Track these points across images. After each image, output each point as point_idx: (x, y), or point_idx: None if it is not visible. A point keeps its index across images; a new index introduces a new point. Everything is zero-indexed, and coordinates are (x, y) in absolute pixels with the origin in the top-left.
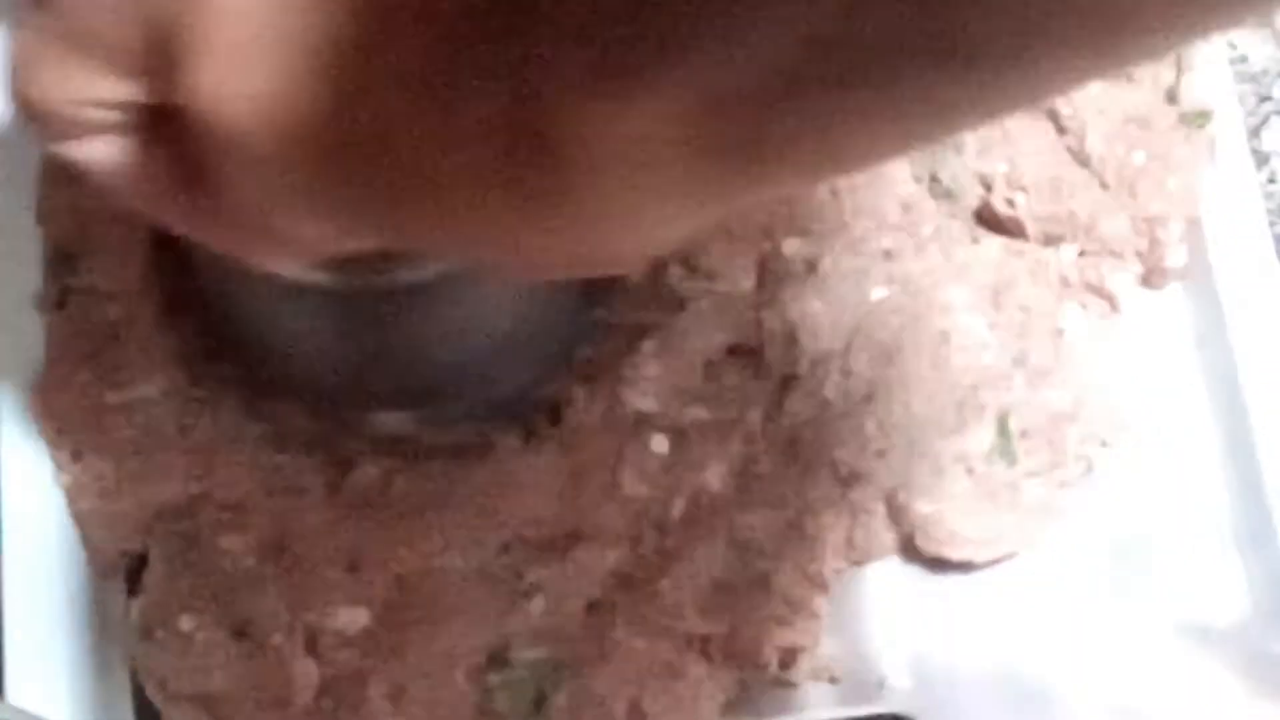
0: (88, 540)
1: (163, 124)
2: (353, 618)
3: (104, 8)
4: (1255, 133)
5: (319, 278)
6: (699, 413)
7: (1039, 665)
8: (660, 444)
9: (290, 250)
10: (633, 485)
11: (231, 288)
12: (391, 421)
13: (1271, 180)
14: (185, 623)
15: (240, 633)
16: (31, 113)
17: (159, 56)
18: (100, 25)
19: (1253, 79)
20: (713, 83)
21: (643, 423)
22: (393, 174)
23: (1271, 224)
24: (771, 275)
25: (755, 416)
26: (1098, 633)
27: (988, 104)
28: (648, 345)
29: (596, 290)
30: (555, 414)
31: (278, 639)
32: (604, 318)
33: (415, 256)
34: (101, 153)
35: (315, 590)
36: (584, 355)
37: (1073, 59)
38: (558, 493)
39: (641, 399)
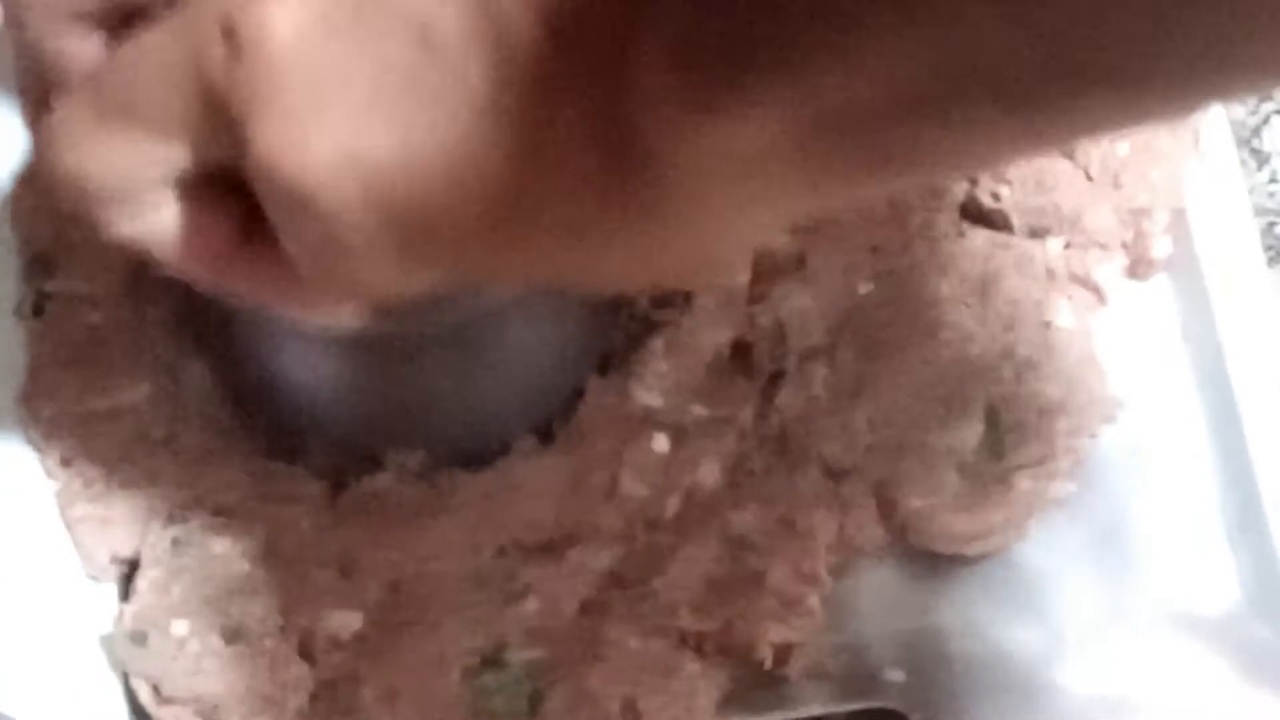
0: (79, 546)
1: (219, 189)
2: (346, 621)
3: (146, 73)
4: (1256, 132)
5: (364, 326)
6: (700, 411)
7: (1031, 657)
8: (661, 443)
9: (347, 301)
10: (630, 485)
11: (240, 331)
12: (410, 462)
13: (1272, 180)
14: (178, 627)
15: (233, 637)
16: (77, 192)
17: (217, 120)
18: (147, 92)
19: None
20: (826, 102)
21: (647, 420)
22: (493, 207)
23: (1271, 224)
24: (762, 271)
25: (747, 414)
26: (1089, 624)
27: (1112, 121)
28: (657, 342)
29: (608, 318)
30: (568, 409)
31: (270, 642)
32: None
33: (459, 297)
34: (154, 223)
35: (308, 594)
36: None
37: (1198, 83)
38: (558, 496)
39: (649, 395)
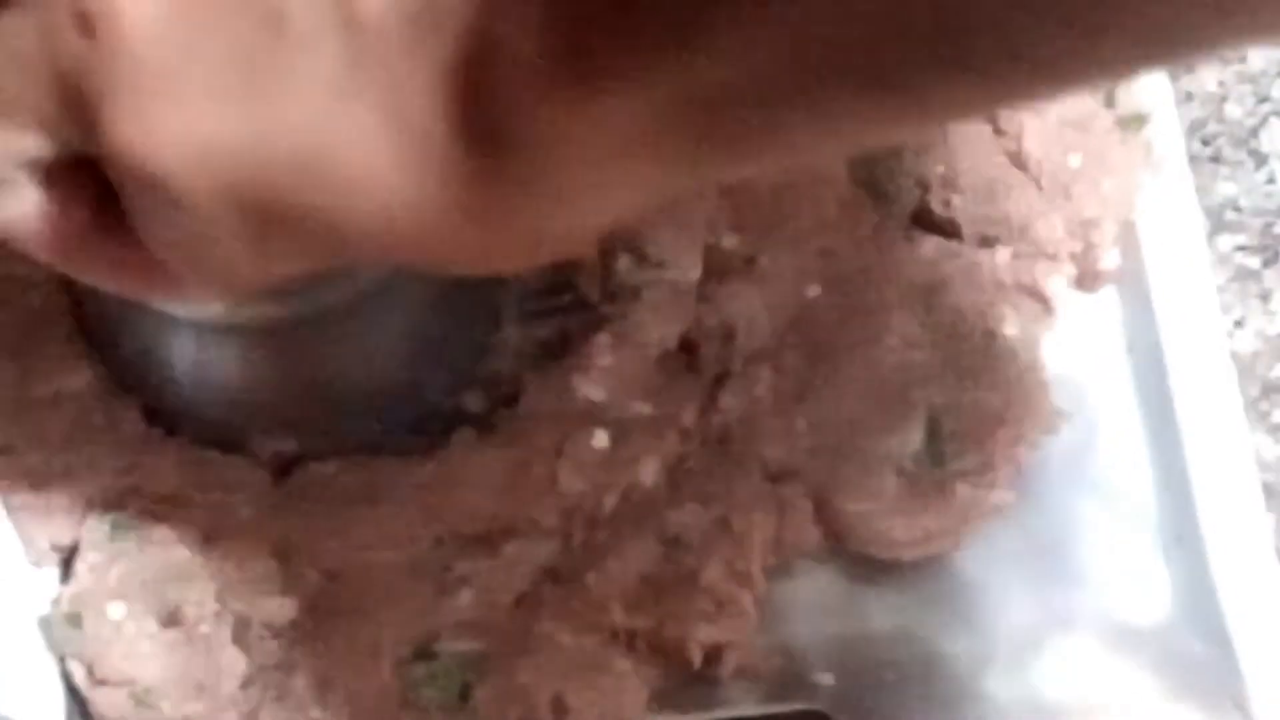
0: (20, 533)
1: (75, 174)
2: (281, 608)
3: (2, 60)
4: (1253, 133)
5: (231, 312)
6: (642, 408)
7: (963, 666)
8: (601, 439)
9: (207, 287)
10: (569, 481)
11: (129, 318)
12: (286, 446)
13: (1270, 180)
14: (114, 610)
15: (169, 621)
16: None
17: (71, 106)
18: (6, 79)
19: (1251, 80)
20: (689, 84)
21: (588, 415)
22: (341, 185)
23: (1270, 224)
24: (712, 270)
25: (690, 413)
26: (1022, 634)
27: (971, 104)
28: (603, 336)
29: (502, 303)
30: (512, 400)
31: (206, 628)
32: (509, 336)
33: (328, 279)
34: (13, 210)
35: (245, 581)
36: (491, 368)
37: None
38: (497, 488)
39: (593, 389)
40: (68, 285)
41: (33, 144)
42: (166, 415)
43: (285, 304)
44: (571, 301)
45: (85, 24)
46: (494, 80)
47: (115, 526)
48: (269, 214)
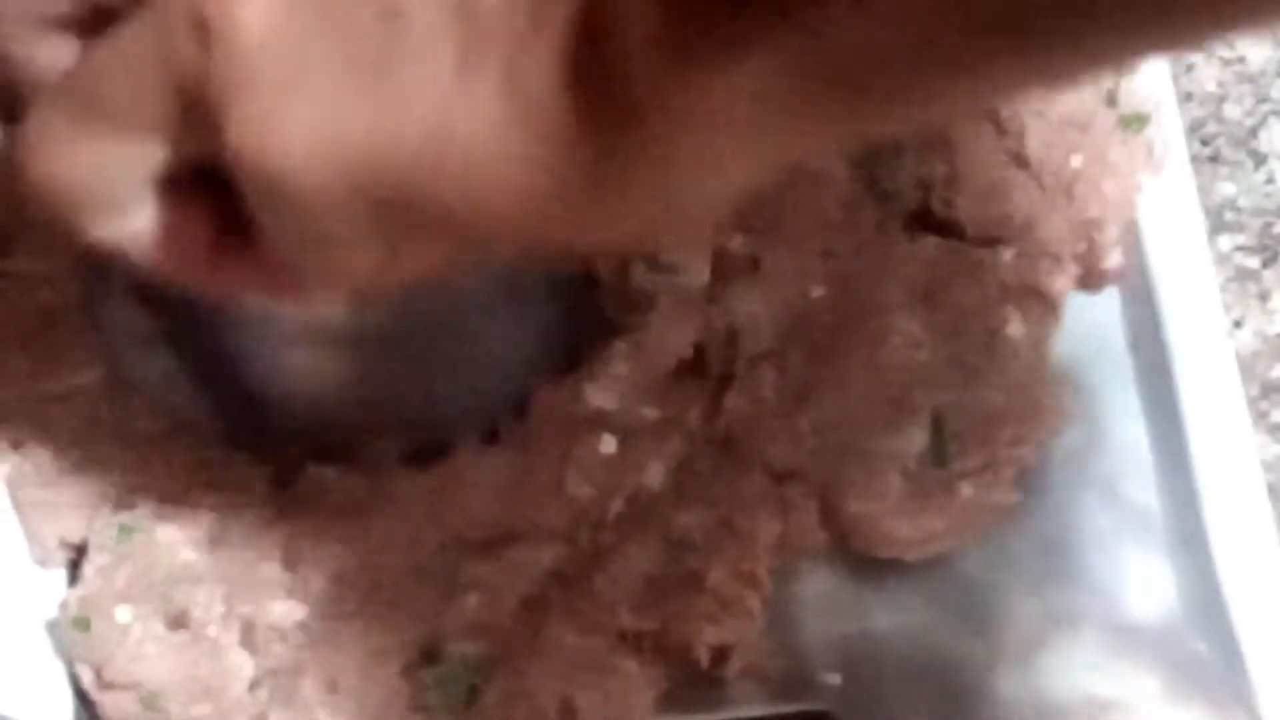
0: (28, 530)
1: (195, 187)
2: (288, 611)
3: (119, 73)
4: (1253, 133)
5: (337, 317)
6: (650, 413)
7: (968, 665)
8: (609, 444)
9: (332, 290)
10: (576, 485)
11: (204, 322)
12: (370, 453)
13: (1270, 180)
14: (121, 613)
15: (176, 624)
16: (53, 197)
17: (193, 115)
18: (120, 91)
19: (1251, 80)
20: (830, 48)
21: (596, 421)
22: (468, 173)
23: (1270, 224)
24: (720, 271)
25: (694, 415)
26: (1027, 633)
27: (1119, 52)
28: (619, 345)
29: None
30: (520, 409)
31: (213, 630)
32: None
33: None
34: (132, 225)
35: (252, 584)
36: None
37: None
38: (503, 493)
39: (603, 397)
40: (82, 284)
41: (155, 156)
42: (246, 422)
43: (394, 310)
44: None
45: (202, 31)
46: (613, 55)
47: (122, 529)
48: (397, 208)
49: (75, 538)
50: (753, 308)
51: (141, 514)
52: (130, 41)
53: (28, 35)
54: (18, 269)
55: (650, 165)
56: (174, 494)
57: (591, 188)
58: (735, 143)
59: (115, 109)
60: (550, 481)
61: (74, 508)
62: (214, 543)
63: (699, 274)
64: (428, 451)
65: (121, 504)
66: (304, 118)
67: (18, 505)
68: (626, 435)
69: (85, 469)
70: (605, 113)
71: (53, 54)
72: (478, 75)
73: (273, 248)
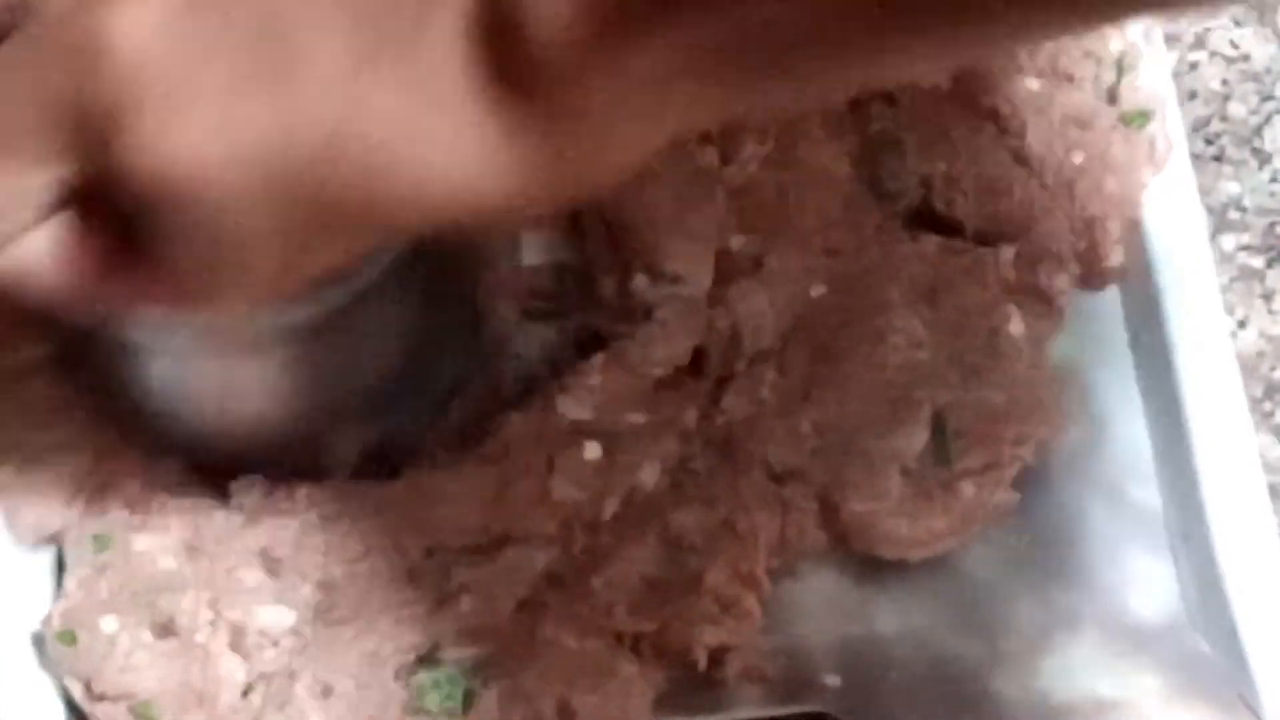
0: (6, 512)
1: (83, 208)
2: (278, 617)
3: (12, 99)
4: (1257, 132)
5: (259, 318)
6: (636, 419)
7: (969, 665)
8: (593, 450)
9: (238, 295)
10: (563, 491)
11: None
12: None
13: (1274, 179)
14: (107, 624)
15: (163, 631)
16: None
17: (82, 134)
18: (13, 117)
19: (1254, 78)
20: (747, 24)
21: (576, 431)
22: (375, 161)
23: (1272, 224)
24: (722, 273)
25: (691, 415)
26: (1028, 633)
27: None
28: (596, 358)
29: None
30: (484, 425)
31: (202, 637)
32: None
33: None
34: (25, 253)
35: (237, 591)
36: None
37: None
38: (483, 501)
39: (578, 409)
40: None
41: (43, 182)
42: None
43: (296, 309)
44: (576, 318)
45: (82, 53)
46: (518, 35)
47: (97, 540)
48: (306, 203)
49: (51, 526)
50: (755, 307)
51: (114, 521)
52: (7, 71)
53: None
54: None
55: (561, 134)
56: (139, 499)
57: (505, 160)
58: (647, 111)
59: (7, 140)
60: (535, 488)
61: (51, 489)
62: (191, 550)
63: (701, 281)
64: (389, 453)
65: (93, 501)
66: (203, 123)
67: None
68: (611, 441)
69: (61, 449)
70: (510, 91)
71: None
72: (374, 66)
73: (172, 258)
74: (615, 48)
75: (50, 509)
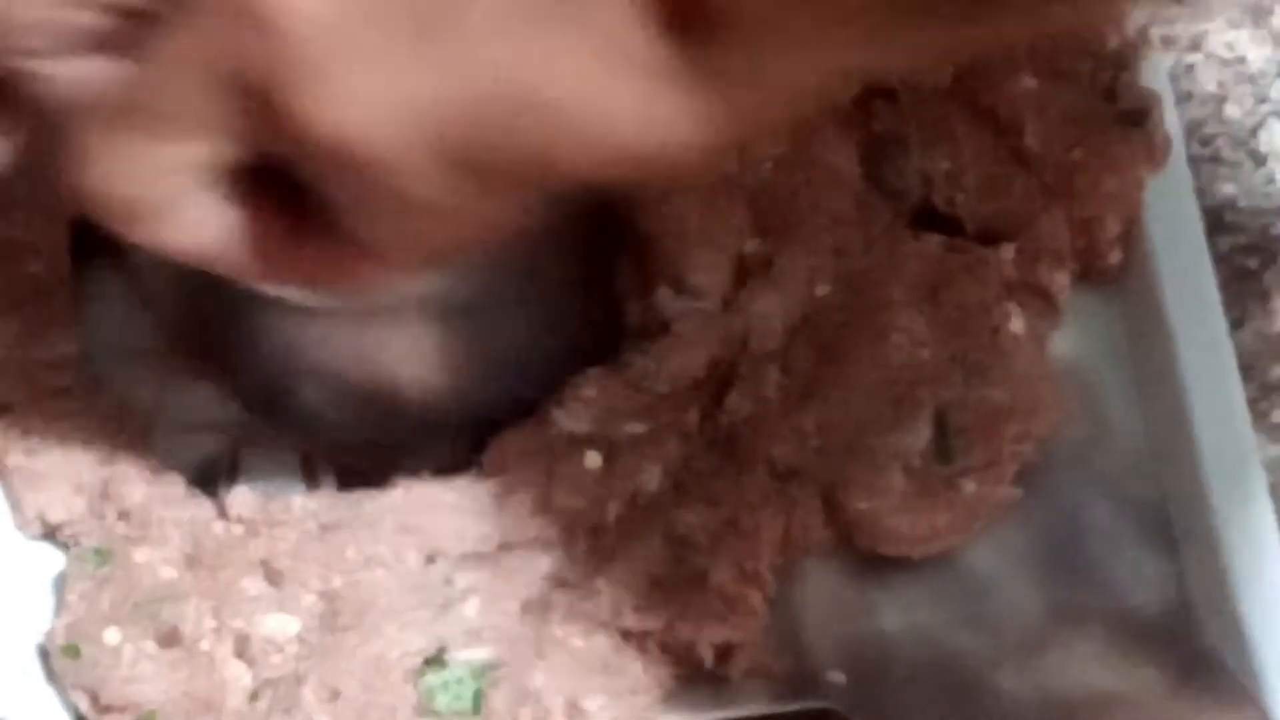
0: (10, 496)
1: (256, 182)
2: (282, 625)
3: (173, 74)
4: (1253, 133)
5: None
6: (636, 427)
7: (974, 661)
8: (594, 459)
9: (411, 262)
10: (565, 500)
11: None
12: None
13: (1269, 181)
14: (110, 636)
15: (167, 641)
16: (112, 208)
17: (251, 105)
18: (172, 94)
19: (1251, 80)
20: None
21: (575, 442)
22: (551, 110)
23: (1269, 225)
24: (737, 277)
25: (692, 417)
26: (1032, 628)
27: None
28: (593, 371)
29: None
30: (478, 442)
31: (206, 644)
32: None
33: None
34: (197, 227)
35: (240, 600)
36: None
37: None
38: (483, 512)
39: (574, 423)
40: (72, 253)
41: (213, 155)
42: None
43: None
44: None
45: (251, 20)
46: None
47: (97, 554)
48: (483, 159)
49: (54, 516)
50: (766, 308)
51: (113, 534)
52: (175, 43)
53: (50, 54)
54: (5, 236)
55: (734, 79)
56: (140, 511)
57: (677, 107)
58: (831, 45)
59: (167, 113)
60: (537, 498)
61: (56, 480)
62: (191, 561)
63: (719, 292)
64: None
65: (94, 501)
66: (374, 83)
67: (3, 474)
68: (611, 449)
69: (69, 440)
70: (685, 34)
71: (76, 73)
72: (546, 12)
73: (348, 229)
74: None
75: (53, 501)
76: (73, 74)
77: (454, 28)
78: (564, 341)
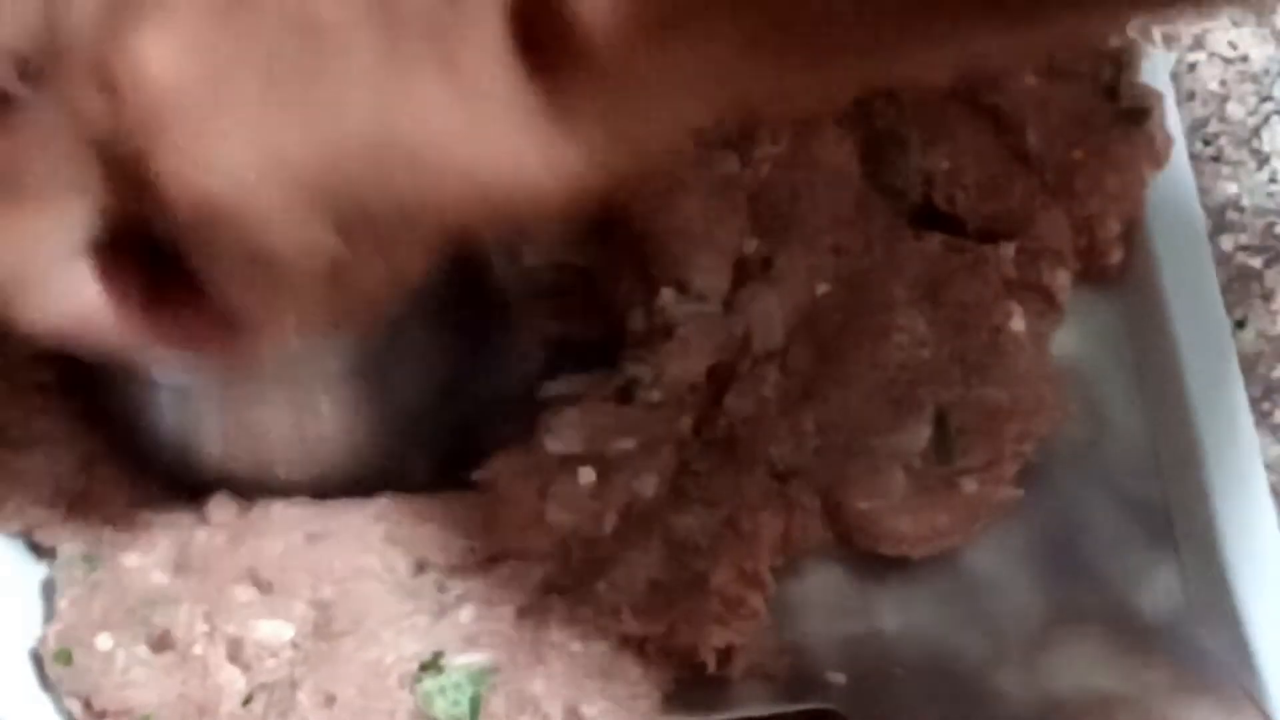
0: None
1: (121, 252)
2: (275, 631)
3: (33, 149)
4: (1256, 132)
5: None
6: (626, 443)
7: (974, 661)
8: (587, 475)
9: (282, 323)
10: (559, 515)
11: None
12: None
13: (1272, 180)
14: (103, 641)
15: (160, 646)
16: None
17: (117, 172)
18: (33, 167)
19: (1253, 79)
20: (751, 18)
21: (567, 461)
22: (421, 162)
23: (1271, 224)
24: (737, 278)
25: (686, 423)
26: (1032, 629)
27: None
28: (580, 389)
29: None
30: (468, 460)
31: (199, 649)
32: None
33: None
34: (64, 301)
35: (231, 605)
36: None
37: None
38: (474, 526)
39: (563, 446)
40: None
41: (78, 222)
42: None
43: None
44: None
45: (111, 87)
46: (558, 18)
47: (86, 560)
48: (351, 209)
49: (29, 520)
50: (766, 308)
51: (101, 540)
52: (36, 116)
53: None
54: None
55: (611, 115)
56: (124, 516)
57: (548, 150)
58: (693, 91)
59: (28, 187)
60: (530, 513)
61: (34, 481)
62: (179, 567)
63: (720, 294)
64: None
65: (74, 506)
66: (234, 141)
67: None
68: (605, 464)
69: (52, 441)
70: (557, 74)
71: None
72: (409, 68)
73: (219, 297)
74: (661, 24)
75: (31, 500)
76: None
77: (315, 77)
78: (466, 403)
